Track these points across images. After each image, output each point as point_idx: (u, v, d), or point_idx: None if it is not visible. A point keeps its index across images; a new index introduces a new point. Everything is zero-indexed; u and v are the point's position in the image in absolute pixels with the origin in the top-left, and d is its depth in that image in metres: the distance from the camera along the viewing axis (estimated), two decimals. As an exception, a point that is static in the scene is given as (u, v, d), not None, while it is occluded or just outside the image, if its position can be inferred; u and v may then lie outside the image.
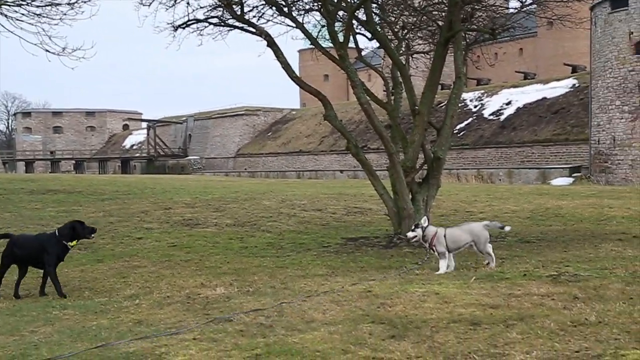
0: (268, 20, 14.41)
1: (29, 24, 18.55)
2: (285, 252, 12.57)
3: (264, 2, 13.99)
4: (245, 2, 13.74)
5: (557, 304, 6.87)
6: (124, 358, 5.62)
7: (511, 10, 16.13)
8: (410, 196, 13.20)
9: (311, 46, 14.17)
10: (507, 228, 9.93)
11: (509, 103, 60.75)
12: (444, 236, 9.55)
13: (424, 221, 9.84)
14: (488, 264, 9.70)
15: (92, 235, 9.77)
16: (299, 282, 9.14)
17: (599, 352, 5.15)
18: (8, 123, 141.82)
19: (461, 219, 16.88)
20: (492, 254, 9.63)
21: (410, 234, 9.87)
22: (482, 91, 65.94)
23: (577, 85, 56.66)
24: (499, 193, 24.24)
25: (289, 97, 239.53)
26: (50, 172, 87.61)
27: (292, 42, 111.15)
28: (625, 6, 40.49)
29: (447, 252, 9.56)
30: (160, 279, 10.17)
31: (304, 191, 26.34)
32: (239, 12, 13.46)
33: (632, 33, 40.03)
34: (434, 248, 9.61)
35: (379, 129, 13.09)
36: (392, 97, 14.15)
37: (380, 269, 10.17)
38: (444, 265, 9.52)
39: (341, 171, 63.93)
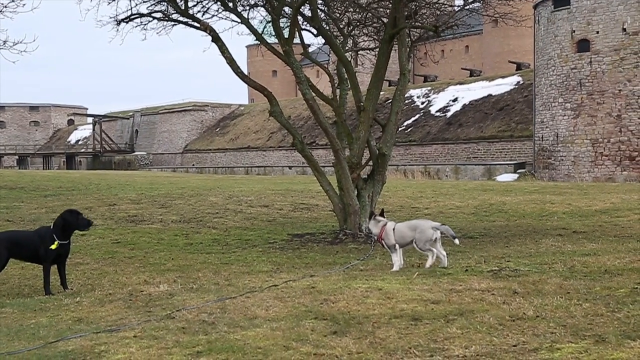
0: (213, 15, 14.34)
1: (-32, 15, 18.07)
2: (231, 249, 12.52)
3: (209, -3, 13.88)
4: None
5: (497, 298, 6.98)
6: (62, 357, 5.53)
7: (455, 8, 16.29)
8: (356, 192, 13.26)
9: (258, 42, 14.12)
10: (457, 241, 9.66)
11: (455, 100, 61.50)
12: (393, 230, 9.47)
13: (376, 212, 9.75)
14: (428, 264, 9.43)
15: (88, 228, 9.29)
16: (243, 278, 9.11)
17: (535, 346, 5.25)
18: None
19: (407, 215, 17.03)
20: (434, 253, 9.31)
21: (370, 225, 9.79)
22: (429, 88, 66.60)
23: (521, 82, 57.65)
24: (445, 189, 24.52)
25: (237, 92, 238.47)
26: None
27: (240, 38, 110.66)
28: (567, 5, 41.32)
29: (397, 246, 9.47)
30: (103, 276, 10.03)
31: (251, 187, 26.26)
32: (182, 7, 13.34)
33: (574, 31, 40.88)
34: (382, 242, 9.60)
35: (324, 125, 13.12)
36: (338, 94, 14.19)
37: (325, 265, 10.20)
38: (396, 260, 9.45)
39: (290, 167, 63.89)
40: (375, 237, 9.59)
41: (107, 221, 16.48)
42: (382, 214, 9.82)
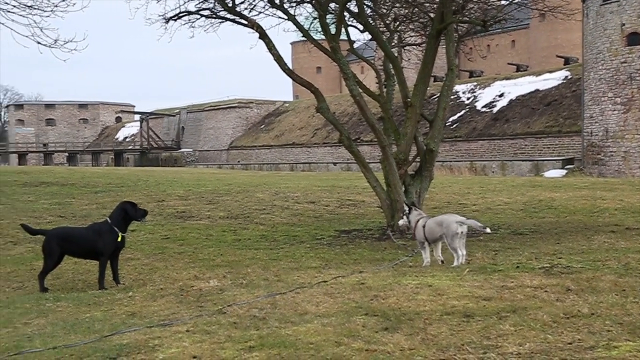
0: (260, 12, 14.37)
1: (20, 15, 18.45)
2: (279, 245, 12.56)
3: (255, -6, 13.94)
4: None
5: (550, 296, 6.88)
6: (117, 350, 5.62)
7: (503, 2, 16.09)
8: (403, 188, 13.19)
9: (304, 38, 14.14)
10: (488, 230, 9.47)
11: (501, 95, 60.77)
12: (423, 227, 9.45)
13: (408, 208, 9.81)
14: (443, 262, 9.48)
15: (144, 218, 9.49)
16: (292, 274, 9.13)
17: (591, 344, 5.16)
18: (0, 115, 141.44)
19: (454, 211, 16.88)
20: (460, 253, 9.19)
21: (400, 222, 9.91)
22: (475, 83, 65.93)
23: (569, 77, 56.71)
24: (492, 185, 24.25)
25: (282, 89, 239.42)
26: (43, 165, 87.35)
27: (284, 35, 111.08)
28: (617, -2, 40.56)
29: (425, 243, 9.47)
30: (154, 271, 10.15)
31: (297, 183, 26.31)
32: (230, 4, 13.41)
33: (623, 25, 40.05)
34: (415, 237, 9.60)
35: (371, 121, 13.07)
36: (385, 90, 14.12)
37: (374, 261, 10.17)
38: (424, 256, 9.52)
39: (334, 164, 63.88)
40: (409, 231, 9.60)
41: (156, 217, 16.67)
42: (413, 207, 9.86)
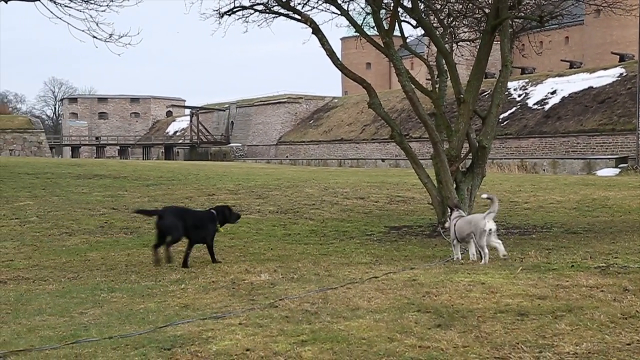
0: (313, 8, 14.38)
1: (77, 10, 18.82)
2: (329, 240, 12.57)
3: (309, -11, 13.95)
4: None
5: (607, 295, 6.76)
6: (172, 341, 5.69)
7: (560, -3, 15.82)
8: (455, 185, 13.09)
9: (354, 34, 14.10)
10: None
11: (553, 92, 59.78)
12: (454, 225, 9.63)
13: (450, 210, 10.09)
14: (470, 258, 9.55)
15: (237, 221, 10.85)
16: (343, 269, 9.13)
17: (651, 346, 5.05)
18: (55, 109, 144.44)
19: (506, 209, 16.69)
20: (486, 251, 9.21)
21: (446, 224, 10.16)
22: (527, 80, 64.98)
23: (624, 74, 55.50)
24: (544, 183, 23.89)
25: (331, 85, 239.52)
26: (95, 158, 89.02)
27: (335, 30, 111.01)
28: (677, -7, 39.51)
29: (455, 241, 9.67)
30: (205, 264, 10.25)
31: (346, 179, 26.31)
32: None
33: (683, 21, 39.03)
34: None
35: (424, 118, 12.98)
36: (437, 86, 14.02)
37: (425, 258, 10.12)
38: (455, 251, 9.75)
39: (383, 160, 63.68)
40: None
41: (207, 211, 16.82)
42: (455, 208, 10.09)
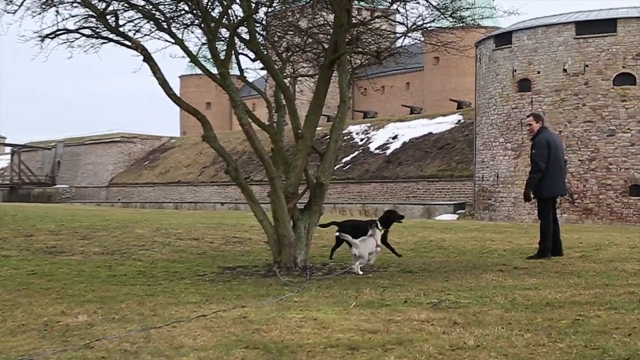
0: (145, 35, 14.19)
1: None
2: (157, 281, 12.27)
3: (141, 15, 13.76)
4: (120, 14, 13.48)
5: (437, 329, 7.00)
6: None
7: (398, 35, 16.59)
8: (292, 223, 13.19)
9: (193, 72, 14.08)
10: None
11: (395, 137, 62.28)
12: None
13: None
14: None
15: (401, 220, 14.13)
16: (170, 309, 8.91)
17: (476, 373, 5.25)
18: None
19: (344, 249, 17.06)
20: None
21: None
22: (369, 124, 67.37)
23: (462, 121, 58.80)
24: (383, 226, 24.72)
25: (168, 125, 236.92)
26: None
27: (173, 70, 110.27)
28: (509, 44, 42.51)
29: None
30: (16, 307, 9.64)
31: (181, 220, 25.94)
32: (113, 24, 13.18)
33: (515, 71, 42.02)
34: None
35: (260, 152, 13.05)
36: (275, 120, 14.17)
37: (258, 296, 10.07)
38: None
39: (222, 203, 63.43)
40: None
41: (22, 252, 16.02)
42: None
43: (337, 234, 13.45)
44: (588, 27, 40.28)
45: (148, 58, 12.91)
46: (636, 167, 38.92)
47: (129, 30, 13.85)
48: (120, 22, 13.58)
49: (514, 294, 9.33)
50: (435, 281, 11.24)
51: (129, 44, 13.23)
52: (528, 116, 15.84)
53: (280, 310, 8.36)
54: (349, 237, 12.73)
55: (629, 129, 39.08)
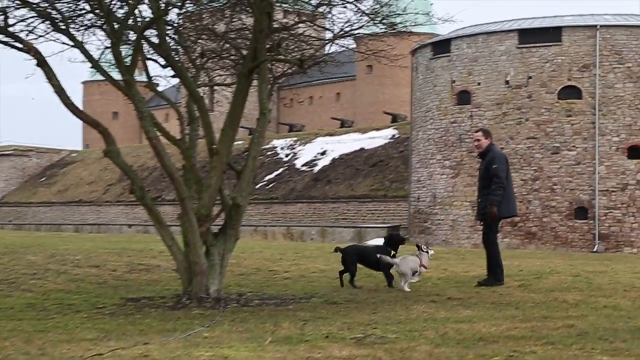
0: (40, 36, 13.93)
1: None
2: (49, 315, 12.01)
3: (35, 14, 13.52)
4: (10, 12, 13.22)
5: (360, 367, 7.05)
6: None
7: (325, 42, 16.76)
8: (205, 249, 13.11)
9: (98, 78, 13.91)
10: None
11: (324, 153, 62.64)
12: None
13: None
14: None
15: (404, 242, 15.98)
16: (61, 347, 8.73)
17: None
18: None
19: (263, 278, 17.05)
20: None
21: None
22: (295, 138, 67.60)
23: (397, 135, 59.58)
24: (309, 251, 24.65)
25: (69, 137, 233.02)
26: None
27: (78, 74, 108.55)
28: (447, 52, 43.26)
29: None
30: None
31: (80, 245, 25.49)
32: (2, 24, 12.93)
33: (454, 82, 42.78)
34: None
35: (170, 169, 12.94)
36: (187, 134, 14.10)
37: (163, 332, 9.97)
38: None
39: (129, 226, 62.67)
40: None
41: None
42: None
43: (378, 255, 14.55)
44: (532, 36, 41.36)
45: (42, 62, 12.69)
46: (582, 187, 39.98)
47: (21, 31, 13.58)
48: (11, 22, 13.33)
49: (445, 327, 9.48)
50: (362, 313, 11.33)
51: (20, 46, 12.99)
52: (477, 131, 16.22)
53: (188, 347, 8.29)
54: (388, 258, 14.34)
55: (574, 146, 40.13)
